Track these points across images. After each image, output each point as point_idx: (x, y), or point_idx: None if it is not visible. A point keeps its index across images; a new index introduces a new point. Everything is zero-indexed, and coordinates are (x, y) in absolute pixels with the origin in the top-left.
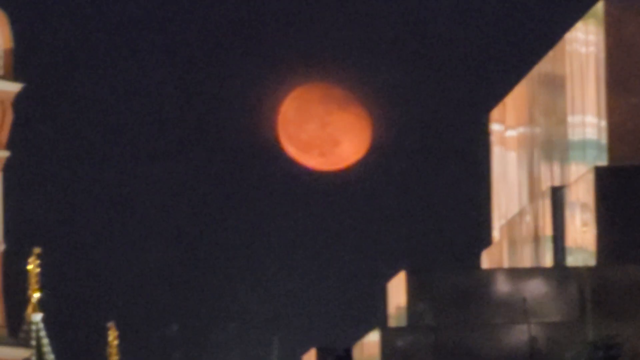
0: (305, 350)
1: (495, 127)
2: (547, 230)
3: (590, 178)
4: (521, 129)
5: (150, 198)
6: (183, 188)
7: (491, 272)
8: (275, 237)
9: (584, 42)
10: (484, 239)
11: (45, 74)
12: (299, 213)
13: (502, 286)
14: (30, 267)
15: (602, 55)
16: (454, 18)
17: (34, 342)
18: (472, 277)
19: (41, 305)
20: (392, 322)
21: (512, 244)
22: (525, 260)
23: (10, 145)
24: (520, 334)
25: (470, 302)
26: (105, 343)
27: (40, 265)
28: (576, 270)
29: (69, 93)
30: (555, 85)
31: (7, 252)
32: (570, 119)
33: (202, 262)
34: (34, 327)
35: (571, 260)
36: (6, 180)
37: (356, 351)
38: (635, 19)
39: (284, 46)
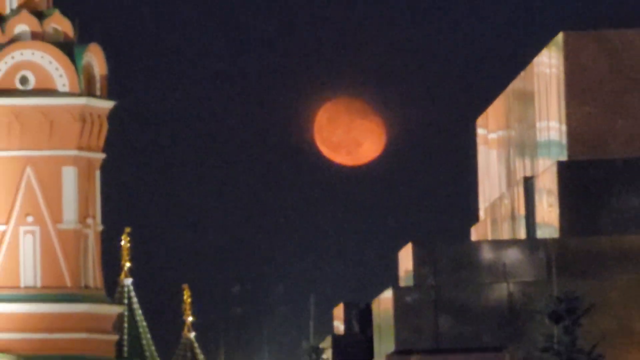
0: (335, 304)
1: (480, 131)
2: (521, 210)
3: (554, 170)
4: (500, 133)
5: (216, 188)
6: (243, 179)
7: (478, 244)
8: (311, 217)
9: (548, 64)
10: (472, 218)
11: (132, 93)
12: (330, 199)
13: (487, 254)
14: (122, 242)
15: (562, 74)
16: (452, 48)
17: (126, 301)
18: (464, 248)
19: (131, 272)
20: (402, 283)
21: (494, 221)
22: (505, 233)
23: (105, 149)
24: (501, 291)
25: (462, 266)
26: (180, 301)
27: (130, 241)
28: (544, 241)
29: (153, 106)
30: (526, 98)
31: (104, 232)
32: (537, 124)
33: (255, 237)
34: (125, 289)
35: (540, 234)
36: (102, 176)
37: (374, 305)
38: (586, 46)
39: (319, 71)
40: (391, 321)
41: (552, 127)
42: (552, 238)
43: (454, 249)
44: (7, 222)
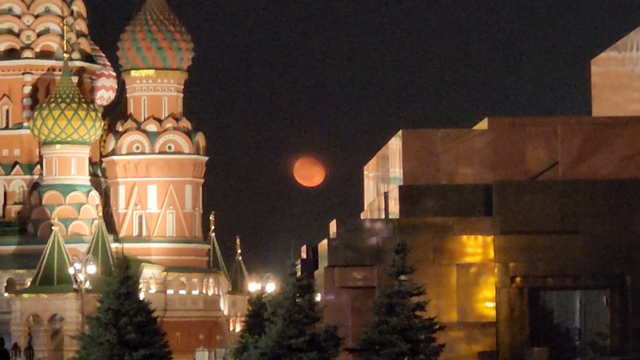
0: (302, 245)
1: (365, 172)
2: (382, 206)
3: (397, 190)
4: (374, 173)
5: (250, 198)
6: (261, 196)
7: (364, 220)
8: (291, 210)
9: (395, 144)
10: (361, 209)
11: (218, 153)
12: (300, 201)
13: (367, 225)
14: (211, 218)
15: (401, 149)
16: (355, 132)
17: (211, 243)
18: (357, 222)
19: (214, 230)
20: (330, 236)
21: (371, 211)
22: (375, 216)
23: (205, 177)
24: (373, 241)
25: (357, 230)
26: (235, 243)
27: (215, 218)
28: (392, 219)
29: (227, 158)
30: (385, 158)
31: (203, 214)
32: (390, 170)
33: (268, 220)
34: (212, 238)
35: (390, 216)
36: (203, 190)
37: (319, 246)
38: (413, 138)
39: (296, 143)
40: (326, 253)
41: (396, 171)
42: (396, 218)
43: (353, 223)
44: (161, 208)
